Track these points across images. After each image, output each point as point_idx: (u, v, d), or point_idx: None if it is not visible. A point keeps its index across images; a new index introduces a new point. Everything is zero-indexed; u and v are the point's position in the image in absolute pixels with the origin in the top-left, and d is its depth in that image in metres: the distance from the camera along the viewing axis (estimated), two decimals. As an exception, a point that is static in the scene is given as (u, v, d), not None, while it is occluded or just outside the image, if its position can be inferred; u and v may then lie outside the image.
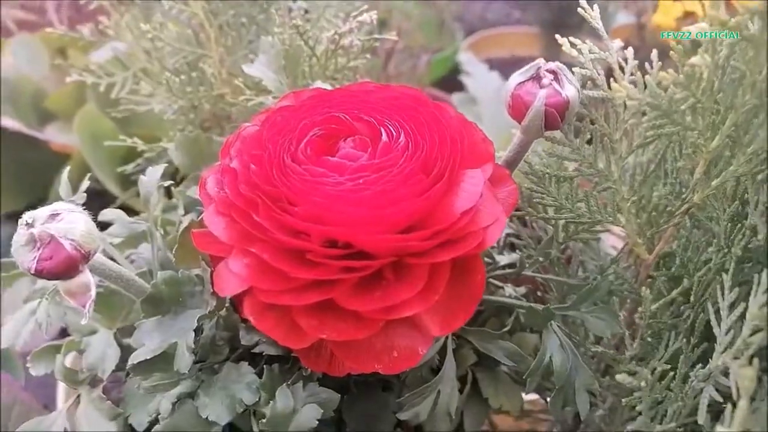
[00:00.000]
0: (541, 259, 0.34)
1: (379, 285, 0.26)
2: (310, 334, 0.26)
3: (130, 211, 0.78)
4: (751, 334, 0.25)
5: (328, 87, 0.41)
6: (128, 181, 0.81)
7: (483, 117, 0.89)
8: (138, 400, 0.35)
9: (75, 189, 0.37)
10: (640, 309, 0.32)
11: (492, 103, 0.89)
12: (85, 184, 0.36)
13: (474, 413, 0.37)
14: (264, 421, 0.29)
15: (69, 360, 0.40)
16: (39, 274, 0.25)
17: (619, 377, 0.25)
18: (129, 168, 0.51)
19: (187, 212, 0.43)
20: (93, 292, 0.27)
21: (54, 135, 0.84)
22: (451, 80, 1.08)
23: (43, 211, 0.26)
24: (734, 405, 0.22)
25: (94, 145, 0.75)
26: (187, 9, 0.45)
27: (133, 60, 0.51)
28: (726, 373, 0.28)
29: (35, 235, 0.25)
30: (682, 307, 0.32)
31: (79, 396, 0.37)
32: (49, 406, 0.60)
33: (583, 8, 0.29)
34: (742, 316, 0.27)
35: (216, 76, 0.49)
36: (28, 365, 0.39)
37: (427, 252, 0.26)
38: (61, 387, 0.54)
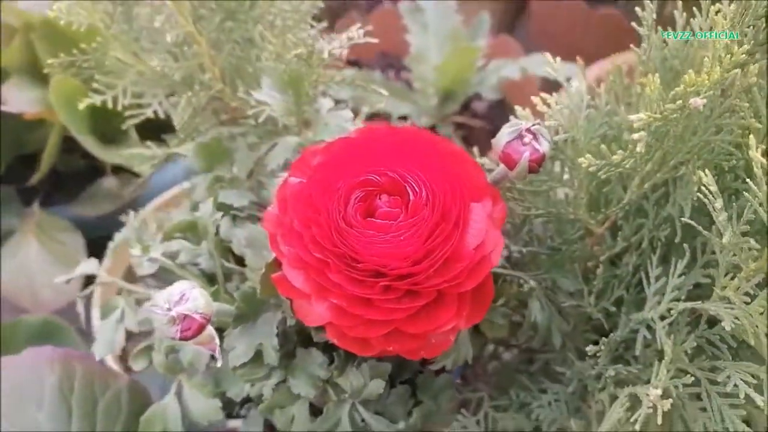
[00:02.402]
0: (522, 249, 0.45)
1: (425, 309, 0.37)
2: (379, 348, 0.37)
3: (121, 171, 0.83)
4: (669, 306, 0.38)
5: (331, 103, 0.48)
6: (106, 139, 0.85)
7: (429, 25, 0.94)
8: (231, 378, 0.46)
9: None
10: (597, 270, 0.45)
11: (436, 11, 0.93)
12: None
13: (475, 344, 0.51)
14: (346, 394, 0.42)
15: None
16: (183, 340, 0.35)
17: (588, 349, 0.38)
18: (146, 169, 0.57)
19: (223, 215, 0.51)
20: (217, 340, 0.37)
21: (14, 94, 0.85)
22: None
23: (173, 295, 0.35)
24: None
25: (69, 110, 0.77)
26: (182, 31, 0.49)
27: (126, 69, 0.54)
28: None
29: (174, 316, 0.34)
30: (620, 269, 0.44)
31: (180, 382, 0.48)
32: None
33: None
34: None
35: (212, 79, 0.54)
36: (129, 363, 0.49)
37: (456, 284, 0.36)
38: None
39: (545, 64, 0.82)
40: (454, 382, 0.52)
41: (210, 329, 0.37)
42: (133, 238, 0.45)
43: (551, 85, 0.96)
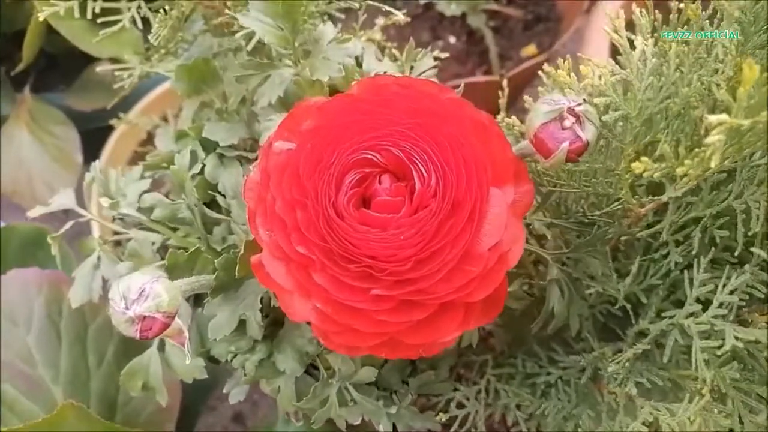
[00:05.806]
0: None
1: (426, 318, 0.31)
2: (368, 353, 0.33)
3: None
4: (711, 324, 0.32)
5: (331, 29, 0.40)
6: (87, 26, 0.76)
7: None
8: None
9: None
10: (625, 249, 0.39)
11: None
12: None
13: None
14: (335, 379, 0.38)
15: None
16: (143, 339, 0.31)
17: (611, 368, 0.33)
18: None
19: (206, 152, 0.45)
20: (187, 333, 0.33)
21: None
22: None
23: (131, 291, 0.30)
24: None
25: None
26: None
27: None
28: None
29: (133, 317, 0.30)
30: (656, 255, 0.38)
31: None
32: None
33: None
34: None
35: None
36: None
37: (465, 294, 0.31)
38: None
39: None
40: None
41: (177, 323, 0.32)
42: (101, 191, 0.40)
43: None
